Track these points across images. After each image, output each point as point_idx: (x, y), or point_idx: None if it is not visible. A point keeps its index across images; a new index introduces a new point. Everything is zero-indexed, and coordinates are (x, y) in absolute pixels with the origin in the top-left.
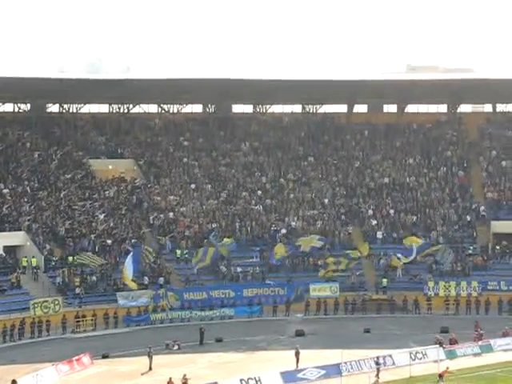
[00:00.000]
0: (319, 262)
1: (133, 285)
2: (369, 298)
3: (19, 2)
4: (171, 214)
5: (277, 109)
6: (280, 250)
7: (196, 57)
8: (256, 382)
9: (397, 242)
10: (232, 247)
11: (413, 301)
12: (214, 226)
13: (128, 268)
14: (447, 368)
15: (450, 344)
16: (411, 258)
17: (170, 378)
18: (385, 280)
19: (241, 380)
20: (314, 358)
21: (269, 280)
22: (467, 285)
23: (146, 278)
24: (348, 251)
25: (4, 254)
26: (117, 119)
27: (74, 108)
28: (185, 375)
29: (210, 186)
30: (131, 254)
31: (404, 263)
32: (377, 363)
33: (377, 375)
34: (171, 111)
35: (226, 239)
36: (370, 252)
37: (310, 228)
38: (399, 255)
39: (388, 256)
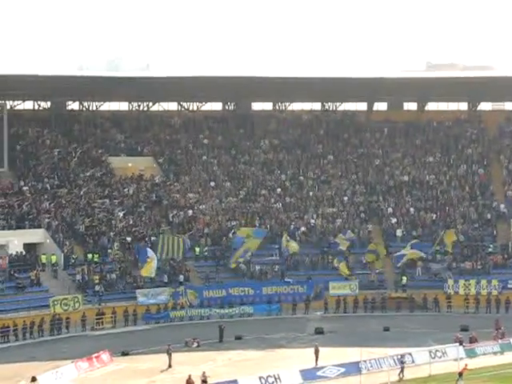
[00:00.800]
0: (334, 261)
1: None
2: (388, 296)
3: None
4: (190, 212)
5: (296, 106)
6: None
7: (216, 54)
8: (275, 379)
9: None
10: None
11: (432, 299)
12: (233, 223)
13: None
14: (466, 365)
15: (470, 342)
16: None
17: (190, 376)
18: (404, 278)
19: (260, 378)
20: (333, 355)
21: (288, 278)
22: (487, 283)
23: (166, 275)
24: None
25: (24, 252)
26: (136, 117)
27: (93, 106)
28: (204, 373)
29: (229, 183)
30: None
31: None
32: (401, 361)
33: (401, 373)
34: (190, 109)
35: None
36: (387, 253)
37: (329, 226)
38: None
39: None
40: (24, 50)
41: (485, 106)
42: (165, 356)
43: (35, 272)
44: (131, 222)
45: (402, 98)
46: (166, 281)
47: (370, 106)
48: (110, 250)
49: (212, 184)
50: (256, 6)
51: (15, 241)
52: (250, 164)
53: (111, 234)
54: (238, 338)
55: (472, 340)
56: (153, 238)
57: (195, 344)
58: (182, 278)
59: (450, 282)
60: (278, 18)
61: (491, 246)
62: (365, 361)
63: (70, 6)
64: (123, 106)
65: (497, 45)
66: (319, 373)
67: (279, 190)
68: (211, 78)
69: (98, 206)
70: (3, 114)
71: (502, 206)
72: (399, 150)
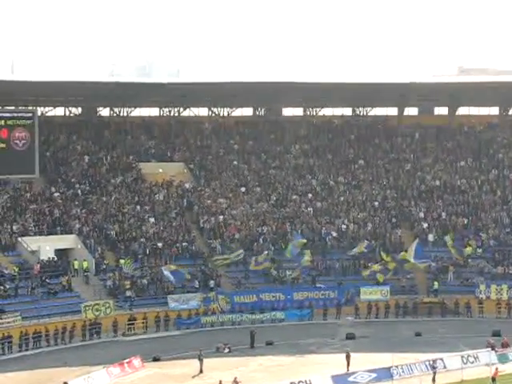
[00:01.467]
0: (369, 265)
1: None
2: (420, 301)
3: (71, 5)
4: (221, 218)
5: (327, 111)
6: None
7: (246, 59)
8: None
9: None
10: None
11: (464, 304)
12: (264, 229)
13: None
14: (496, 369)
15: (503, 347)
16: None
17: (221, 381)
18: (436, 283)
19: (291, 383)
20: (364, 361)
21: (319, 283)
22: None
23: (197, 281)
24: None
25: (55, 257)
26: (167, 122)
27: (124, 112)
28: (235, 378)
29: (259, 188)
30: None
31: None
32: (433, 367)
33: (433, 379)
34: (221, 114)
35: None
36: (410, 262)
37: (360, 231)
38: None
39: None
40: (55, 57)
41: None
42: (196, 362)
43: (67, 278)
44: (161, 228)
45: (433, 102)
46: (197, 286)
47: (401, 111)
48: (140, 256)
49: (242, 189)
50: (285, 11)
51: (47, 246)
52: (281, 169)
53: (142, 239)
54: (269, 343)
55: (504, 345)
56: (184, 244)
57: (226, 349)
58: (212, 283)
59: (482, 286)
60: (308, 23)
61: None
62: (396, 366)
63: (102, 12)
64: (154, 111)
65: None
66: (351, 378)
67: (310, 195)
68: (242, 84)
69: (129, 211)
70: (34, 120)
71: None
72: (430, 154)
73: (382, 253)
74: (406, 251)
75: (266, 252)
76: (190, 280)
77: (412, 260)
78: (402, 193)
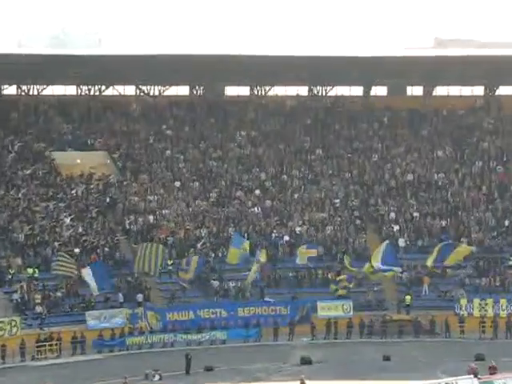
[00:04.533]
0: (329, 276)
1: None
2: (389, 318)
3: None
4: (151, 218)
5: (278, 91)
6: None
7: (182, 29)
8: None
9: (423, 251)
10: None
11: (442, 322)
12: (203, 232)
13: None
14: None
15: (490, 374)
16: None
17: None
18: (408, 297)
19: None
20: None
21: (269, 297)
22: (507, 303)
23: (121, 294)
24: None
25: None
26: (86, 103)
27: (34, 90)
28: None
29: (197, 183)
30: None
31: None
32: None
33: None
34: (151, 94)
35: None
36: (376, 269)
37: (318, 234)
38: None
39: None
40: None
41: (505, 90)
42: None
43: None
44: (80, 231)
45: (405, 80)
46: (121, 300)
47: (367, 91)
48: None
49: (177, 184)
50: None
51: None
52: (223, 160)
53: (56, 244)
54: (209, 369)
55: (491, 371)
56: (106, 249)
57: (157, 377)
58: (140, 297)
59: (463, 301)
60: None
61: None
62: None
63: None
64: (70, 90)
65: None
66: None
67: (258, 191)
68: (176, 57)
69: (41, 210)
70: None
71: None
72: (402, 143)
73: (346, 260)
74: (371, 258)
75: (196, 256)
76: (114, 292)
77: (379, 265)
78: (368, 189)
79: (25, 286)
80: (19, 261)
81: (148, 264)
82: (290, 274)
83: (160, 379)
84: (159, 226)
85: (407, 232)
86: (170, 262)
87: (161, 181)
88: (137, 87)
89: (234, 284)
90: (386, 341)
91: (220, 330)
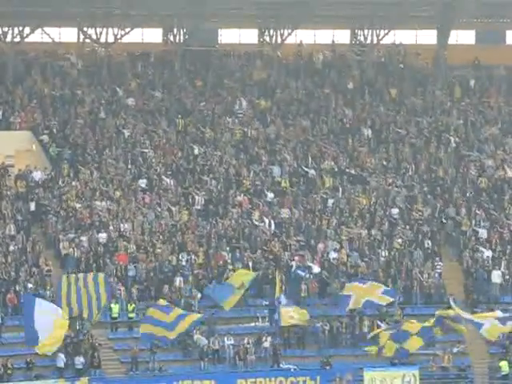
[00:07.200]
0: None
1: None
2: None
3: None
4: (102, 236)
5: (303, 37)
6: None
7: None
8: None
9: None
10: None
11: None
12: (183, 258)
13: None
14: None
15: None
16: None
17: None
18: (504, 363)
19: None
20: None
21: (287, 362)
22: None
23: (62, 355)
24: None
25: None
26: (1, 54)
27: None
28: None
29: (174, 182)
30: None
31: None
32: None
33: None
34: (103, 40)
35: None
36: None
37: (368, 263)
38: None
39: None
40: None
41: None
42: None
43: None
44: None
45: (503, 22)
46: (61, 365)
47: (444, 38)
48: None
49: (142, 183)
50: None
51: None
52: (216, 146)
53: None
54: None
55: None
56: (29, 285)
57: None
58: (81, 361)
59: None
60: None
61: None
62: None
63: None
64: None
65: None
66: None
67: (270, 194)
68: None
69: None
70: None
71: None
72: (497, 119)
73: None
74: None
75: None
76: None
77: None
78: (443, 192)
79: None
80: None
81: (86, 305)
82: (319, 325)
83: None
84: (114, 248)
85: (505, 260)
86: (130, 308)
87: (116, 178)
88: (79, 30)
89: (231, 341)
90: None
91: None
